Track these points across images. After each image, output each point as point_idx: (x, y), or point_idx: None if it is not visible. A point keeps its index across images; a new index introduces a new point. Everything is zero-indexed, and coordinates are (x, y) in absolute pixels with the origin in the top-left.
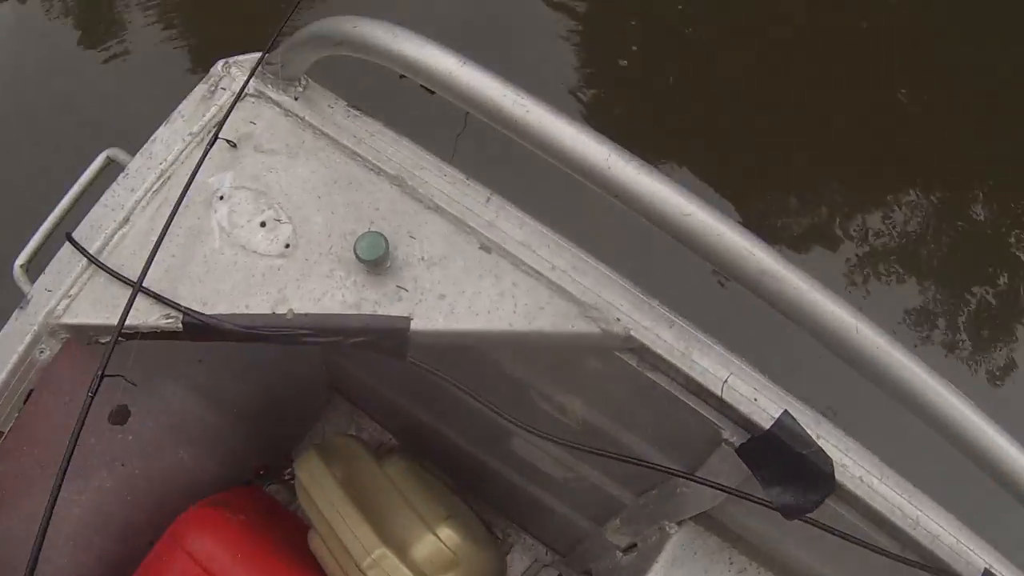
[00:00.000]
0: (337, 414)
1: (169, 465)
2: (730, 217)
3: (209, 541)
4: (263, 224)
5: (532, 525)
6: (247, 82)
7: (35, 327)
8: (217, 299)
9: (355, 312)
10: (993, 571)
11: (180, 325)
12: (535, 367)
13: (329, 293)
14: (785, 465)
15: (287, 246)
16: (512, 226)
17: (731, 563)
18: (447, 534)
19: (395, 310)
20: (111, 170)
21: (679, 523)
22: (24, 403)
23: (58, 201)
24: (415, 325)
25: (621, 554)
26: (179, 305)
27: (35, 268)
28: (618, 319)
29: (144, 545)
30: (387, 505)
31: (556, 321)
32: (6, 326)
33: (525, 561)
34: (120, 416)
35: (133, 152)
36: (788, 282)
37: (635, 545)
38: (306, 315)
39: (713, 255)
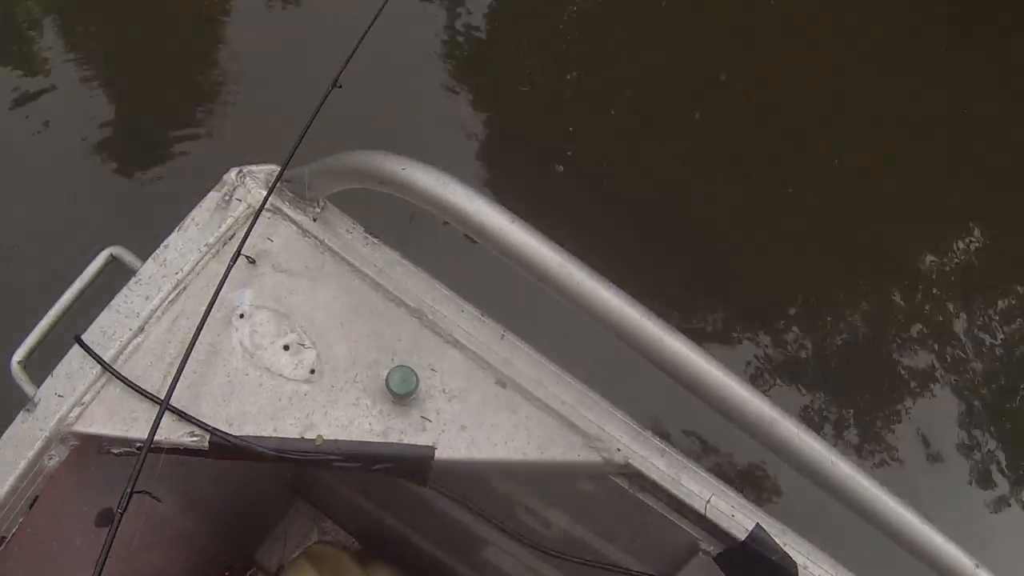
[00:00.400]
0: (300, 516)
1: (142, 567)
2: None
3: None
4: (286, 347)
5: None
6: (267, 198)
7: (46, 433)
8: (244, 420)
9: (383, 440)
10: None
11: (207, 444)
12: (531, 487)
13: (356, 421)
14: (756, 570)
15: (312, 371)
16: (525, 363)
17: None
18: None
19: (420, 439)
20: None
21: None
22: (30, 508)
23: (57, 297)
24: (439, 454)
25: None
26: (206, 424)
27: (32, 363)
28: (618, 449)
29: None
30: None
31: (565, 451)
32: (13, 428)
33: None
34: (105, 519)
35: (135, 251)
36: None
37: None
38: (335, 441)
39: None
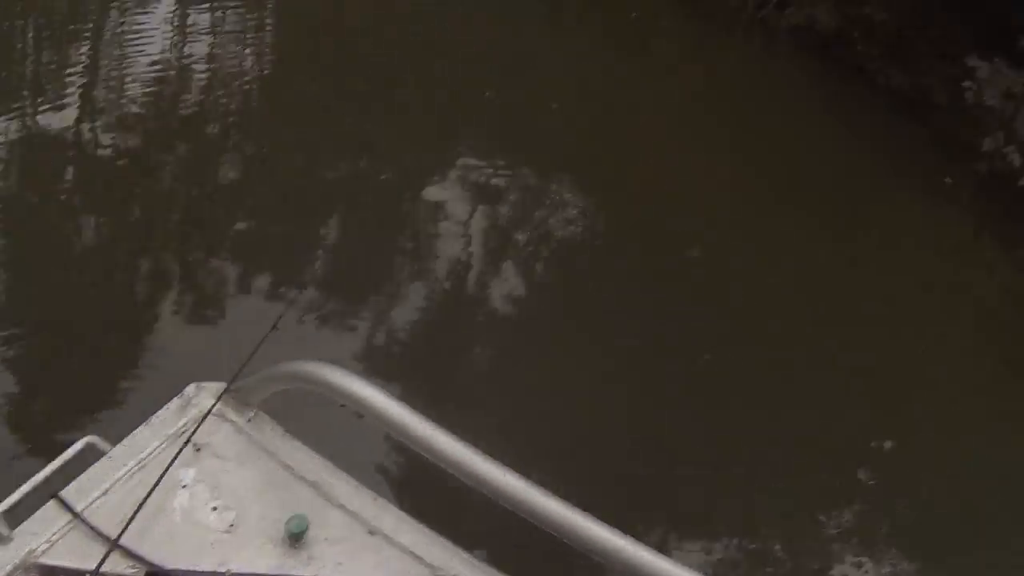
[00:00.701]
0: None
1: None
2: None
3: None
4: (215, 508)
5: None
6: (213, 406)
7: (16, 561)
8: (176, 558)
9: (277, 573)
10: None
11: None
12: None
13: (260, 559)
14: None
15: (231, 525)
16: (391, 521)
17: None
18: None
19: (306, 572)
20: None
21: None
22: None
23: (39, 470)
24: None
25: None
26: (145, 559)
27: (10, 516)
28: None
29: None
30: None
31: None
32: None
33: None
34: None
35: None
36: None
37: None
38: (239, 574)
39: None
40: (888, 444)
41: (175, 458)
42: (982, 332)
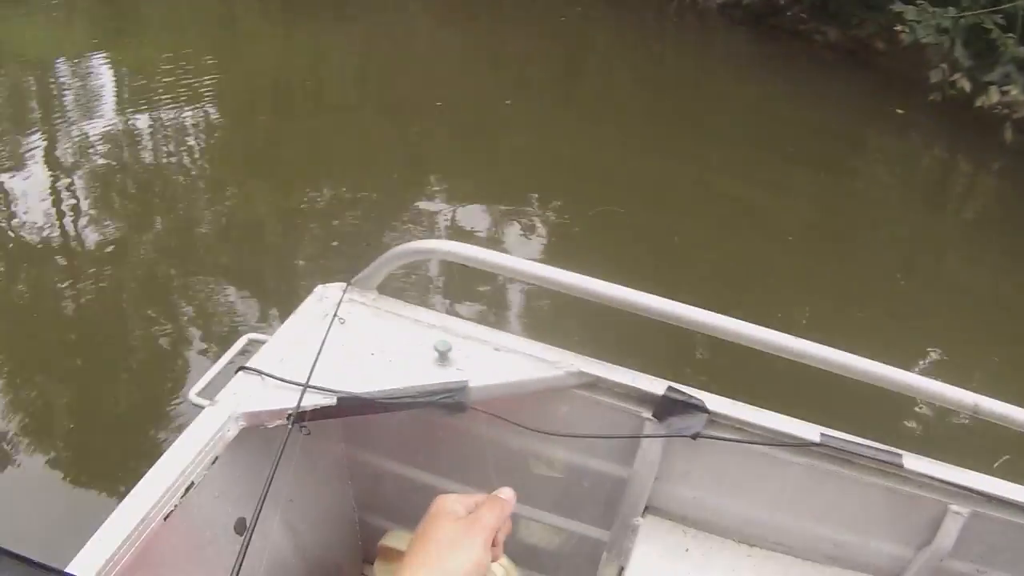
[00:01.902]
0: None
1: None
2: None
3: None
4: (372, 354)
5: None
6: (346, 290)
7: (227, 413)
8: (356, 387)
9: (437, 381)
10: (828, 433)
11: (335, 401)
12: (532, 421)
13: (419, 377)
14: (679, 413)
15: (390, 361)
16: (509, 340)
17: (684, 532)
18: (509, 567)
19: (460, 378)
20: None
21: (642, 515)
22: (212, 464)
23: (207, 369)
24: (470, 383)
25: None
26: (334, 389)
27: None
28: (572, 364)
29: None
30: None
31: (541, 372)
32: (202, 414)
33: None
34: (240, 528)
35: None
36: None
37: (621, 570)
38: (409, 387)
39: None
40: None
41: (329, 328)
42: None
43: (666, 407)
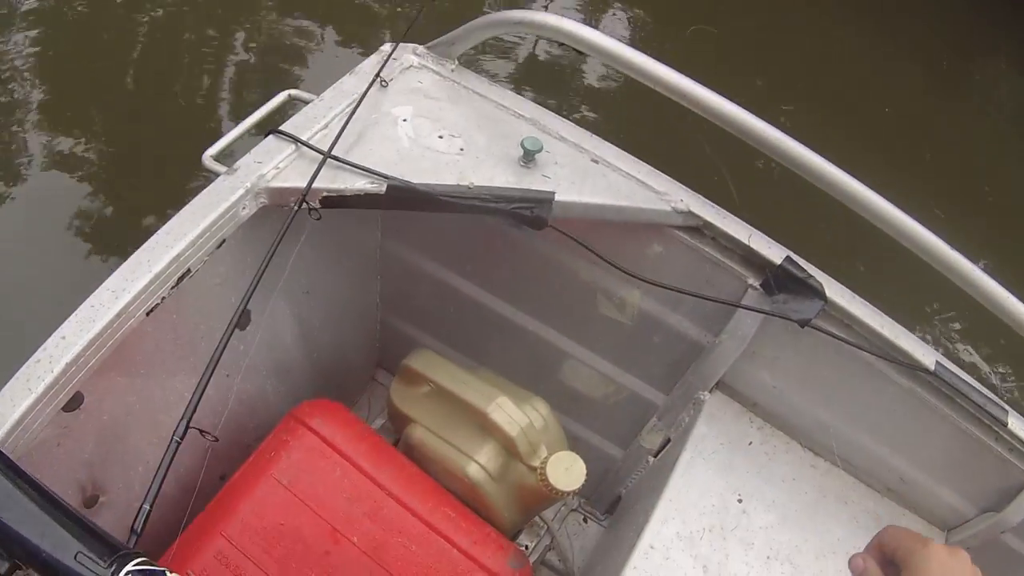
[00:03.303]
0: (382, 389)
1: (257, 390)
2: None
3: (333, 424)
4: (440, 137)
5: None
6: (416, 49)
7: (247, 185)
8: (412, 175)
9: (517, 186)
10: (945, 365)
11: (384, 188)
12: (613, 254)
13: (496, 176)
14: (792, 291)
15: (461, 149)
16: (609, 151)
17: (751, 422)
18: (540, 405)
19: (545, 187)
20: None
21: (710, 391)
22: (217, 248)
23: (243, 119)
24: (557, 197)
25: (652, 459)
26: (383, 173)
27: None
28: (681, 200)
29: (216, 479)
30: (494, 387)
31: (643, 201)
32: (214, 184)
33: (554, 506)
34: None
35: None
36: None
37: (667, 442)
38: (483, 187)
39: None
40: None
41: (367, 86)
42: None
43: (779, 280)
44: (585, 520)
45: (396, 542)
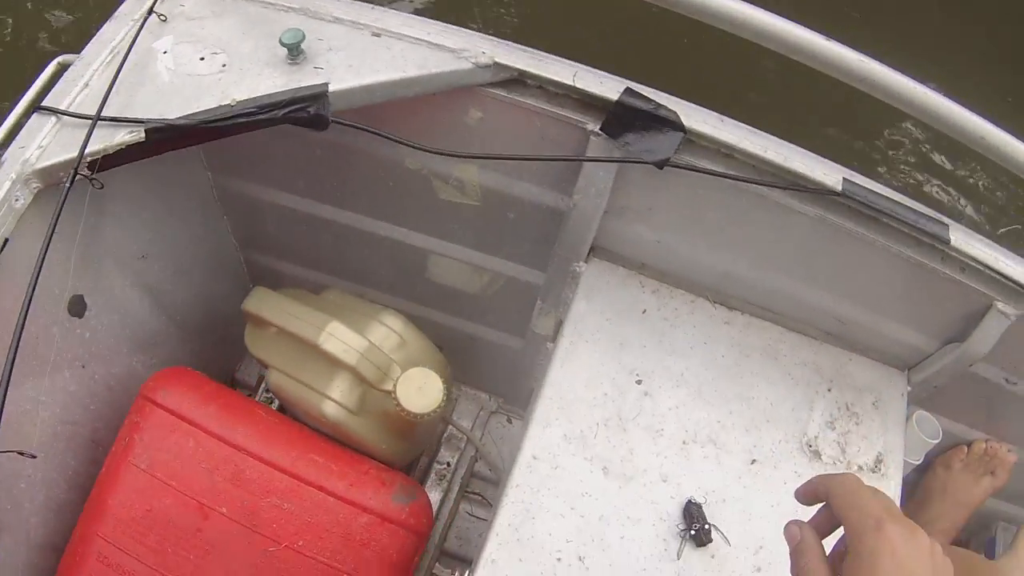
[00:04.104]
0: None
1: (125, 372)
2: None
3: (179, 392)
4: (202, 59)
5: (467, 375)
6: None
7: (12, 176)
8: (172, 110)
9: (285, 88)
10: (854, 180)
11: (143, 135)
12: (430, 135)
13: (262, 84)
14: (641, 128)
15: (223, 66)
16: (395, 20)
17: (643, 286)
18: (390, 320)
19: (317, 81)
20: None
21: (586, 260)
22: (1, 250)
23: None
24: (332, 88)
25: (551, 345)
26: (139, 119)
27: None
28: (483, 52)
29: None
30: (334, 313)
31: (438, 64)
32: None
33: (472, 412)
34: (77, 307)
35: None
36: None
37: (561, 324)
38: (246, 99)
39: None
40: None
41: (142, 26)
42: None
43: (622, 118)
44: (509, 420)
45: (267, 503)
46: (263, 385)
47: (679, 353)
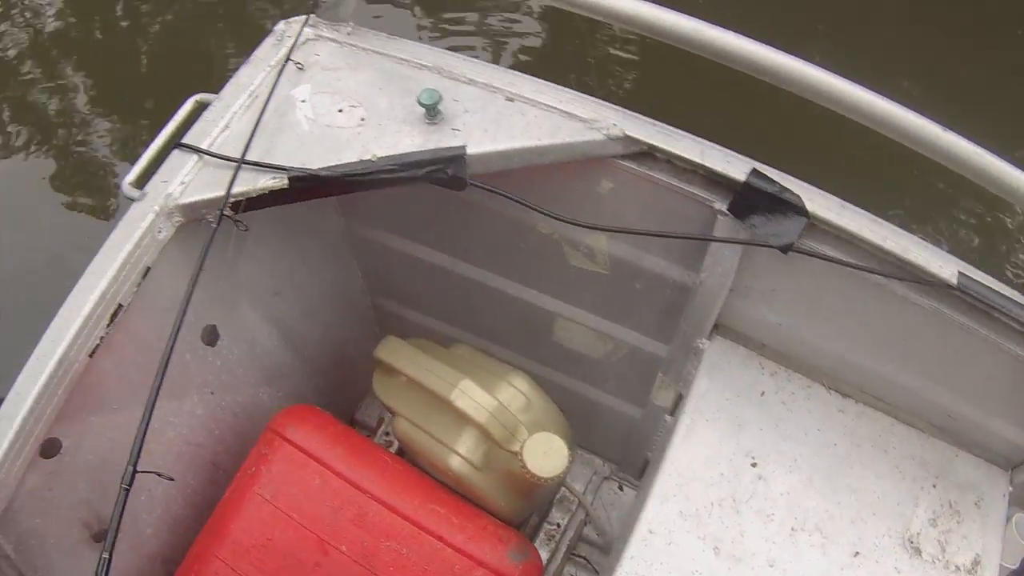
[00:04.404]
0: None
1: (250, 401)
2: None
3: (308, 430)
4: (340, 111)
5: (584, 438)
6: (306, 21)
7: (156, 208)
8: (314, 160)
9: (424, 148)
10: (969, 275)
11: (286, 182)
12: (562, 202)
13: (401, 141)
14: (766, 210)
15: (362, 119)
16: (526, 85)
17: (762, 368)
18: (519, 382)
19: (454, 143)
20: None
21: (708, 337)
22: (143, 279)
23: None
24: (470, 150)
25: (670, 417)
26: (282, 166)
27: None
28: (615, 124)
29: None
30: (464, 369)
31: (571, 134)
32: (127, 214)
33: (585, 476)
34: (211, 336)
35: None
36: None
37: (680, 398)
38: (387, 156)
39: None
40: None
41: (280, 73)
42: None
43: (748, 199)
44: (620, 488)
45: (386, 547)
46: (382, 428)
47: (794, 439)
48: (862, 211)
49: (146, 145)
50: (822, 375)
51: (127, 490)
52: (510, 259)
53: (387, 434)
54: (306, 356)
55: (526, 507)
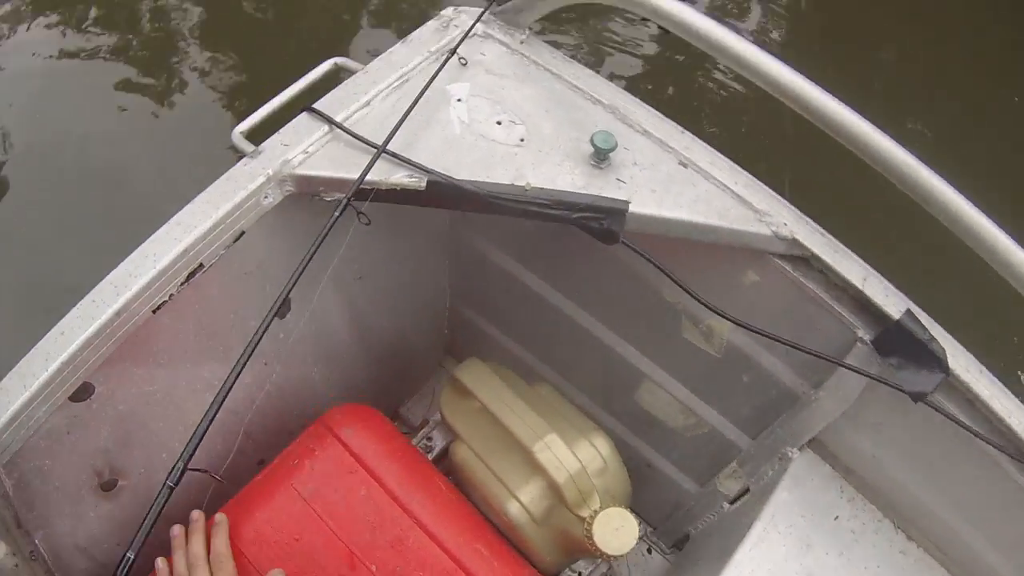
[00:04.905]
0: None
1: (299, 376)
2: None
3: (365, 435)
4: (499, 123)
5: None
6: (480, 16)
7: (269, 172)
8: (459, 169)
9: (584, 192)
10: None
11: (424, 184)
12: (701, 279)
13: (560, 176)
14: (909, 355)
15: (521, 140)
16: (702, 152)
17: (842, 492)
18: (600, 443)
19: (618, 194)
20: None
21: (800, 448)
22: (234, 242)
23: (281, 90)
24: (632, 208)
25: (728, 505)
26: (425, 167)
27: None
28: (785, 224)
29: (254, 464)
30: (546, 415)
31: (739, 221)
32: (234, 168)
33: None
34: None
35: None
36: None
37: (746, 491)
38: (542, 189)
39: None
40: None
41: (442, 65)
42: None
43: (895, 338)
44: (649, 551)
45: None
46: (424, 430)
47: (855, 572)
48: (997, 379)
49: (268, 99)
50: (895, 513)
51: (172, 488)
52: (619, 311)
53: (428, 438)
54: (367, 343)
55: (566, 564)
